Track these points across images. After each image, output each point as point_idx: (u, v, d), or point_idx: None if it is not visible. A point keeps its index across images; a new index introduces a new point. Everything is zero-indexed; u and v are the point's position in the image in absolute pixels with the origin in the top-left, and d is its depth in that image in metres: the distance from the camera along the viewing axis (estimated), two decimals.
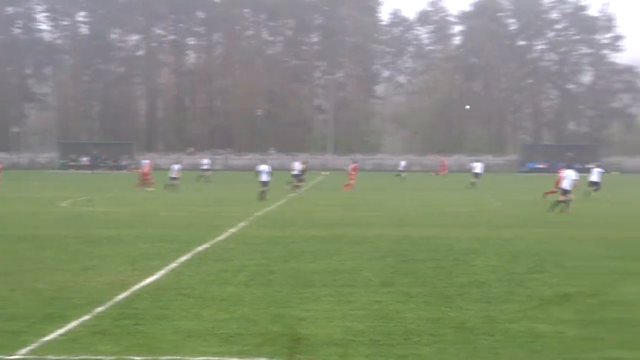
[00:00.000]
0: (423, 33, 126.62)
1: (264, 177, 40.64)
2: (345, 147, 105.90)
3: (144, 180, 52.08)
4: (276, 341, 10.67)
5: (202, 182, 62.45)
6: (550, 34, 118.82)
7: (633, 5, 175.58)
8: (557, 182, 36.01)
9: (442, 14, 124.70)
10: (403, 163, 71.61)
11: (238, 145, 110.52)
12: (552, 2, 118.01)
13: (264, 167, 41.39)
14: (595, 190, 43.31)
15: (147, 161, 55.75)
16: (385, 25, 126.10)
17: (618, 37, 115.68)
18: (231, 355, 10.04)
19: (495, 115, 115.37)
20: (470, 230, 25.45)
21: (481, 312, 12.56)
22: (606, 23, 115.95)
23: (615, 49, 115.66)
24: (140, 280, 15.07)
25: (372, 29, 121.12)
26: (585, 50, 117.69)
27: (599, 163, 51.99)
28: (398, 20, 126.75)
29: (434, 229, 25.53)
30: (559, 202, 33.51)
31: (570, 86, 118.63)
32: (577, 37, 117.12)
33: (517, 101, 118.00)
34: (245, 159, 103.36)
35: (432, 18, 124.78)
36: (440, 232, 24.65)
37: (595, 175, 44.07)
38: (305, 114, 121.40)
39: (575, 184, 34.05)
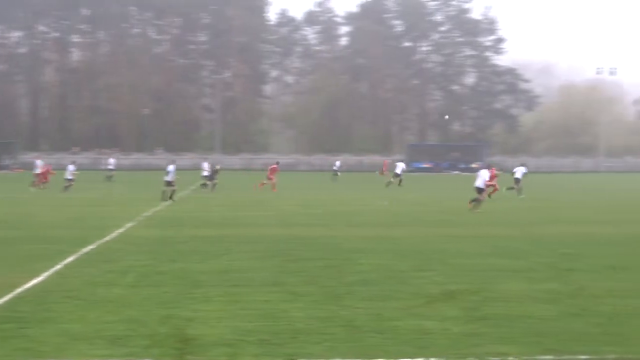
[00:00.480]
0: (310, 33, 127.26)
1: (168, 177, 40.14)
2: (233, 146, 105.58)
3: (41, 180, 51.12)
4: (164, 342, 10.60)
5: (110, 182, 62.09)
6: (435, 36, 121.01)
7: (514, 9, 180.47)
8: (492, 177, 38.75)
9: (329, 15, 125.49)
10: (338, 163, 71.95)
11: (124, 144, 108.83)
12: (437, 5, 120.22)
13: (170, 167, 40.85)
14: (513, 187, 45.31)
15: (40, 161, 54.42)
16: (273, 25, 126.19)
17: (500, 40, 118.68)
18: (118, 357, 9.95)
19: (382, 115, 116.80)
20: (358, 229, 25.73)
21: (370, 310, 12.74)
22: (488, 26, 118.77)
23: (497, 51, 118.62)
24: (24, 283, 14.72)
25: (260, 28, 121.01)
26: (468, 52, 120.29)
27: (523, 162, 53.30)
28: (285, 20, 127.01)
29: (322, 229, 25.69)
30: (476, 200, 34.63)
31: (455, 87, 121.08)
32: (460, 39, 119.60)
33: (403, 101, 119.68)
34: (132, 158, 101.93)
35: (319, 18, 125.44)
36: (328, 231, 24.84)
37: (518, 173, 45.97)
38: (193, 113, 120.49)
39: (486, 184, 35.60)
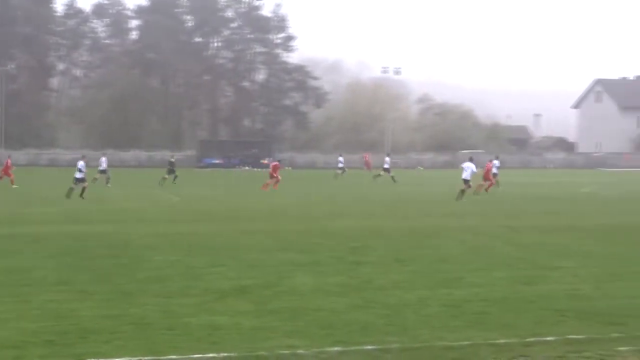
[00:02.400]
0: (99, 26, 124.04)
1: (76, 174, 38.05)
2: (18, 141, 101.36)
3: None
4: None
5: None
6: (226, 32, 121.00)
7: (303, 7, 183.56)
8: (487, 173, 42.97)
9: (118, 8, 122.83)
10: (341, 159, 69.87)
11: None
12: (228, 1, 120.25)
13: (80, 163, 38.66)
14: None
15: None
16: (60, 17, 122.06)
17: (290, 38, 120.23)
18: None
19: (173, 111, 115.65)
20: (150, 225, 25.47)
21: (161, 307, 12.66)
22: (279, 23, 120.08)
23: (287, 48, 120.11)
24: None
25: (46, 19, 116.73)
26: (259, 49, 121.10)
27: (497, 156, 53.66)
28: (73, 11, 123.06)
29: (113, 225, 25.25)
30: (462, 191, 38.23)
31: (245, 84, 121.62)
32: (251, 36, 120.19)
33: (194, 97, 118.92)
34: None
35: (109, 11, 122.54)
36: (119, 228, 24.43)
37: (494, 168, 46.27)
38: None
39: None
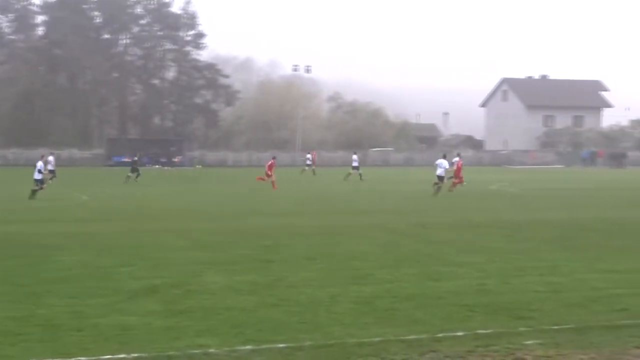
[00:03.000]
0: (4, 22, 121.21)
1: (35, 175, 36.75)
2: None
3: None
4: None
5: None
6: (135, 29, 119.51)
7: (213, 4, 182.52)
8: (457, 170, 44.25)
9: (24, 3, 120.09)
10: (309, 156, 70.23)
11: None
12: None
13: (39, 164, 37.37)
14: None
15: None
16: None
17: (200, 35, 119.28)
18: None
19: (81, 109, 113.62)
20: (58, 225, 25.01)
21: (69, 308, 12.45)
22: (189, 21, 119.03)
23: (198, 46, 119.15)
24: None
25: None
26: (169, 46, 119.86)
27: (445, 154, 53.53)
28: None
29: (18, 225, 24.72)
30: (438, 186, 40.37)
31: (155, 81, 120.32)
32: (160, 33, 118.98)
33: (102, 94, 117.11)
34: None
35: (14, 6, 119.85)
36: (25, 228, 23.93)
37: (441, 168, 45.78)
38: None
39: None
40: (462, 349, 10.44)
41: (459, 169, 45.03)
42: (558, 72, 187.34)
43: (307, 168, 63.87)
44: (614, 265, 17.17)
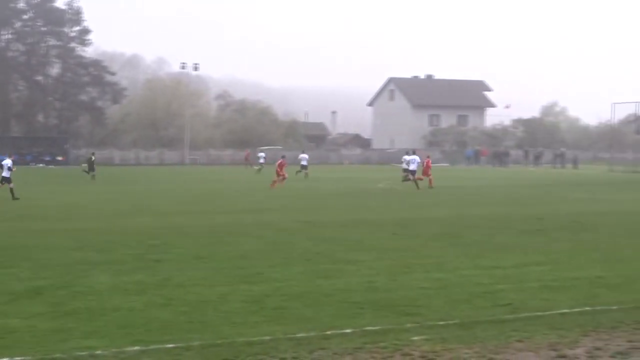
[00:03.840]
0: None
1: (4, 173, 34.85)
2: None
3: None
4: None
5: None
6: (17, 24, 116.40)
7: (98, 0, 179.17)
8: (426, 169, 47.31)
9: None
10: (262, 154, 69.81)
11: None
12: None
13: (7, 161, 35.52)
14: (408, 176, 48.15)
15: None
16: None
17: (85, 31, 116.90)
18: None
19: None
20: None
21: None
22: (73, 16, 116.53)
23: (83, 42, 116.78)
24: None
25: None
26: (53, 42, 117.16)
27: (414, 150, 55.10)
28: None
29: None
30: (411, 180, 45.47)
31: (39, 78, 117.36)
32: (44, 28, 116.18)
33: None
34: None
35: None
36: None
37: (414, 164, 47.79)
38: None
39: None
40: (351, 346, 10.54)
41: (427, 167, 47.44)
42: (443, 72, 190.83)
43: (303, 170, 62.07)
44: (497, 262, 17.63)
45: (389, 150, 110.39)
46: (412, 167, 46.34)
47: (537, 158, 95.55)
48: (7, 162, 37.09)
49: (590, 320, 12.10)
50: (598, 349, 10.58)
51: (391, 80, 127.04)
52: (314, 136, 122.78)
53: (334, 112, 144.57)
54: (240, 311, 12.48)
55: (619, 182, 54.25)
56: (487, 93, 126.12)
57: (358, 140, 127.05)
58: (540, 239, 22.06)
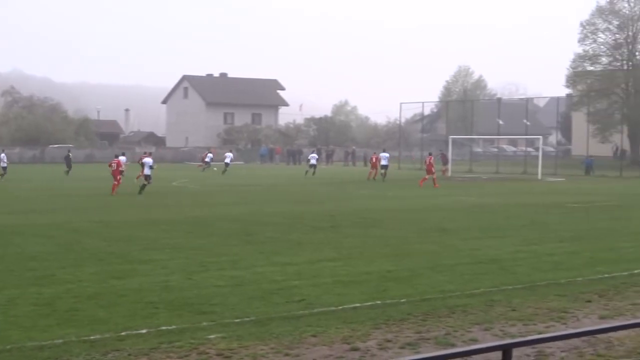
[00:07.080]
0: None
1: None
2: None
3: None
4: None
5: None
6: None
7: None
8: (374, 162, 54.26)
9: None
10: (230, 155, 66.74)
11: None
12: None
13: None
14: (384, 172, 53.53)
15: None
16: None
17: None
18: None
19: None
20: None
21: None
22: None
23: None
24: None
25: None
26: None
27: (384, 148, 59.17)
28: None
29: None
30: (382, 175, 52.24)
31: None
32: None
33: None
34: None
35: None
36: None
37: (384, 160, 53.93)
38: None
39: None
40: (146, 347, 10.47)
41: (430, 165, 49.35)
42: (237, 71, 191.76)
43: (310, 168, 61.04)
44: (291, 258, 17.94)
45: (184, 149, 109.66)
46: (382, 162, 53.09)
47: (329, 156, 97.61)
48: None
49: (380, 313, 12.56)
50: (388, 341, 11.01)
51: (185, 78, 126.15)
52: (107, 134, 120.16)
53: (127, 110, 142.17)
54: (30, 315, 12.11)
55: (405, 179, 56.24)
56: (280, 92, 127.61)
57: (152, 138, 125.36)
58: (333, 235, 22.64)
